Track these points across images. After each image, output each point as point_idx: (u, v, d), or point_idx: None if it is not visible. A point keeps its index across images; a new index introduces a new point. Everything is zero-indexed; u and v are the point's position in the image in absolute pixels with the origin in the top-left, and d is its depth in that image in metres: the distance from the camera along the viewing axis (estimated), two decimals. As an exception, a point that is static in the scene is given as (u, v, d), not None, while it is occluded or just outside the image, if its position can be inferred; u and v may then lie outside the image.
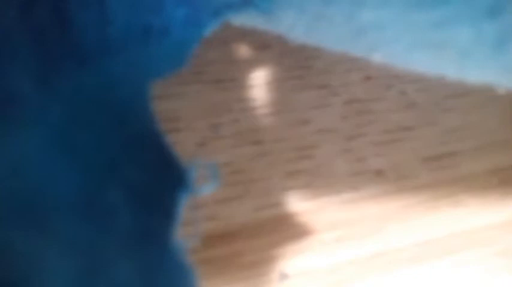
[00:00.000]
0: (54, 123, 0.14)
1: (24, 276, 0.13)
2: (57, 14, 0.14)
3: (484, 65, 0.15)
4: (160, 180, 0.14)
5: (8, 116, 0.13)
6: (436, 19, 0.14)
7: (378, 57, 0.16)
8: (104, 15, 0.14)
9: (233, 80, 0.26)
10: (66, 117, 0.14)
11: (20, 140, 0.14)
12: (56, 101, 0.14)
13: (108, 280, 0.14)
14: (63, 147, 0.14)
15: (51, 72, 0.14)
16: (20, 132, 0.14)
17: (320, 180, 0.25)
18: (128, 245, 0.14)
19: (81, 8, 0.14)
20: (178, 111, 0.24)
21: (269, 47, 0.26)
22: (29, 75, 0.14)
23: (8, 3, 0.13)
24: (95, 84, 0.14)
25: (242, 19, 0.17)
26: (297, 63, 0.26)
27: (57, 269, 0.13)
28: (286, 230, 0.23)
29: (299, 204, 0.24)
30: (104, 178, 0.14)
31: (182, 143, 0.23)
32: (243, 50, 0.26)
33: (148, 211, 0.14)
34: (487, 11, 0.13)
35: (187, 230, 0.15)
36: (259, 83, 0.26)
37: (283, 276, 0.22)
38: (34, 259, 0.13)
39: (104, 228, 0.14)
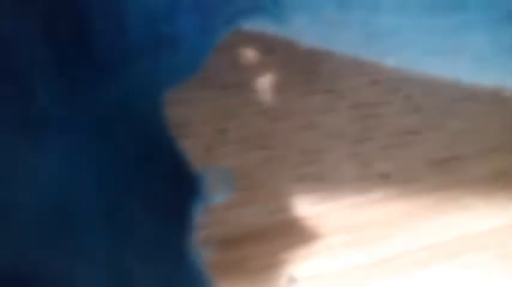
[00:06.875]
0: (74, 138, 0.14)
1: None
2: (78, 25, 0.14)
3: (500, 69, 0.15)
4: (176, 190, 0.14)
5: (30, 132, 0.13)
6: (453, 25, 0.14)
7: (391, 62, 0.16)
8: (121, 24, 0.14)
9: (240, 85, 0.26)
10: (86, 132, 0.14)
11: (41, 155, 0.14)
12: (77, 115, 0.14)
13: None
14: (83, 161, 0.14)
15: (73, 87, 0.14)
16: (41, 148, 0.14)
17: (327, 184, 0.25)
18: (148, 256, 0.14)
19: (100, 18, 0.14)
20: (186, 117, 0.24)
21: (276, 52, 0.26)
22: (51, 91, 0.14)
23: (32, 24, 0.13)
24: (113, 97, 0.14)
25: (252, 23, 0.17)
26: (303, 68, 0.26)
27: (81, 282, 0.13)
28: (294, 234, 0.23)
29: (307, 208, 0.24)
30: (122, 189, 0.14)
31: (190, 149, 0.23)
32: (250, 55, 0.26)
33: (166, 221, 0.14)
34: (505, 17, 0.13)
35: (198, 236, 0.15)
36: (266, 88, 0.26)
37: (292, 280, 0.22)
38: (59, 273, 0.13)
39: (125, 240, 0.14)
